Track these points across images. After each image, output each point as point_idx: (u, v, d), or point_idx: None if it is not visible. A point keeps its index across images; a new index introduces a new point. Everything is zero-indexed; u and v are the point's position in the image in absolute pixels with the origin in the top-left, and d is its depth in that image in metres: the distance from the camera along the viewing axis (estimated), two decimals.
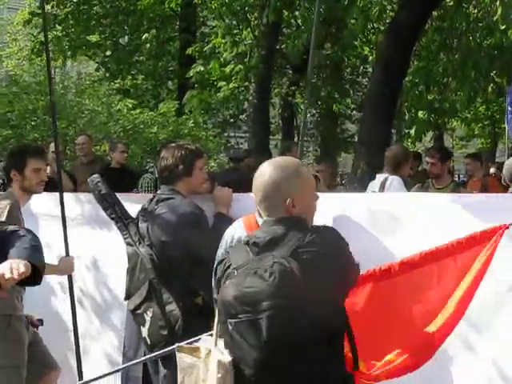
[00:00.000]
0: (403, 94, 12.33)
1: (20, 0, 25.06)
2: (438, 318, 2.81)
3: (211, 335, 2.84)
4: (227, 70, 13.97)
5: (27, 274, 2.45)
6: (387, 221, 3.78)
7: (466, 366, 3.54)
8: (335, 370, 2.55)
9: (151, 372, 4.22)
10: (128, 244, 4.17)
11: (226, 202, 4.30)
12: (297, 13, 14.07)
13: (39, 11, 15.60)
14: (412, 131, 15.36)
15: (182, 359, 2.84)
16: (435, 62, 12.65)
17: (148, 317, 4.00)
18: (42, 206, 4.90)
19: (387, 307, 2.79)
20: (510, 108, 11.58)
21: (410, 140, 16.21)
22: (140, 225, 4.19)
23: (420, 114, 14.22)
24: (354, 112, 21.42)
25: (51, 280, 4.76)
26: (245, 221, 3.73)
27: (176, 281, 3.98)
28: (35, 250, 2.63)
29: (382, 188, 6.38)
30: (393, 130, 14.60)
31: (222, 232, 3.83)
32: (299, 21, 14.45)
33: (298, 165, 2.76)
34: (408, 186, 6.72)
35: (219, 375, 2.65)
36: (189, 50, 14.69)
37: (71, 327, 4.57)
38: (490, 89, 13.41)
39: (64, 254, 4.49)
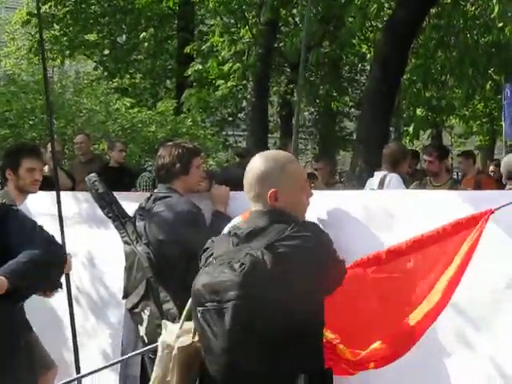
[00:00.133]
0: (401, 91, 12.33)
1: None
2: (424, 304, 2.82)
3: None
4: (225, 68, 13.97)
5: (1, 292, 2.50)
6: (385, 218, 3.78)
7: (465, 364, 3.54)
8: (308, 365, 2.53)
9: (149, 371, 4.21)
10: (125, 243, 4.18)
11: (224, 200, 4.31)
12: (294, 11, 14.07)
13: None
14: (410, 129, 15.35)
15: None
16: (433, 59, 12.65)
17: (145, 315, 4.01)
18: (39, 204, 4.90)
19: (373, 296, 2.80)
20: (506, 105, 11.58)
21: (408, 138, 16.19)
22: (137, 223, 4.19)
23: (418, 111, 14.21)
24: (353, 110, 21.41)
25: None
26: (244, 217, 3.73)
27: (173, 279, 3.98)
28: (19, 266, 2.64)
29: (381, 185, 6.38)
30: (391, 128, 14.60)
31: (219, 230, 3.82)
32: (297, 19, 14.46)
33: (286, 159, 2.76)
34: (406, 184, 6.72)
35: (159, 354, 2.77)
36: (187, 49, 14.68)
37: (67, 324, 4.57)
38: (487, 86, 13.42)
39: None
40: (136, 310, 4.07)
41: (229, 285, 2.43)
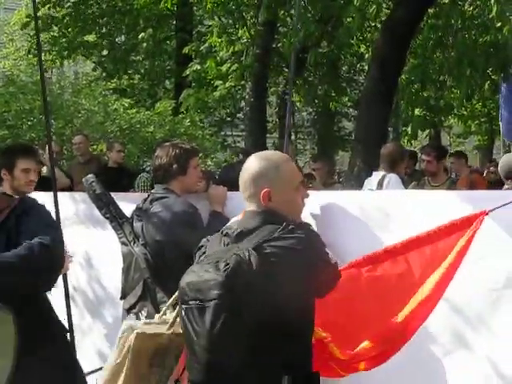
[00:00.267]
0: (399, 91, 12.33)
1: (17, 0, 25.01)
2: (412, 303, 2.83)
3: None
4: (223, 68, 13.97)
5: None
6: (383, 218, 3.78)
7: (462, 364, 3.54)
8: (293, 367, 2.52)
9: None
10: (123, 243, 4.18)
11: (221, 200, 4.31)
12: (292, 11, 14.06)
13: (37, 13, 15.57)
14: (409, 129, 15.36)
15: None
16: (431, 59, 12.65)
17: (143, 316, 4.01)
18: None
19: (367, 295, 2.81)
20: (503, 104, 11.59)
21: (406, 138, 16.19)
22: (134, 224, 4.19)
23: (416, 111, 14.22)
24: (351, 110, 21.42)
25: None
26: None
27: (170, 280, 3.95)
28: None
29: (380, 186, 6.37)
30: (389, 128, 14.61)
31: (216, 230, 3.82)
32: (295, 19, 14.44)
33: (281, 159, 2.76)
34: (404, 185, 6.72)
35: (118, 335, 2.94)
36: (185, 49, 14.67)
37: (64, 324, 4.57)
38: (486, 86, 13.41)
39: None
40: (133, 311, 4.07)
41: (211, 284, 2.43)
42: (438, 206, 3.64)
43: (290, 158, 2.84)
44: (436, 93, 13.56)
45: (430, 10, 11.59)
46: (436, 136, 21.71)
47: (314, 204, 3.73)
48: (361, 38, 14.95)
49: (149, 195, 4.29)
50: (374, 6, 10.61)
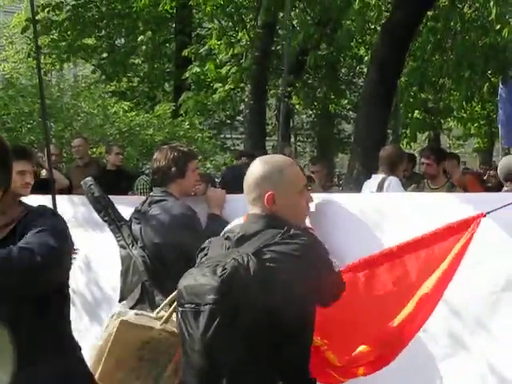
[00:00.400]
0: (398, 94, 12.35)
1: (16, 3, 25.03)
2: (409, 307, 2.82)
3: None
4: (223, 71, 13.99)
5: None
6: (381, 221, 3.78)
7: (462, 366, 3.54)
8: (288, 374, 2.50)
9: None
10: (121, 246, 4.18)
11: (219, 203, 4.31)
12: (292, 14, 14.05)
13: (36, 17, 15.58)
14: (408, 131, 15.39)
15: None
16: (430, 62, 12.66)
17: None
18: None
19: (364, 300, 2.80)
20: (501, 106, 11.59)
21: (406, 140, 16.21)
22: (133, 227, 4.19)
23: (416, 114, 14.24)
24: (351, 112, 21.43)
25: None
26: (245, 219, 3.74)
27: (169, 283, 3.95)
28: None
29: (380, 189, 6.35)
30: (389, 131, 14.61)
31: (215, 233, 3.82)
32: (294, 22, 14.45)
33: (285, 163, 2.75)
34: (404, 187, 6.70)
35: (106, 322, 3.01)
36: (185, 52, 14.69)
37: None
38: (485, 88, 13.42)
39: None
40: None
41: (207, 289, 2.42)
42: (436, 209, 3.64)
43: (294, 162, 2.83)
44: (435, 95, 13.57)
45: (429, 13, 11.60)
46: (435, 138, 21.70)
47: (313, 206, 3.73)
48: (360, 40, 14.96)
49: (147, 198, 4.29)
50: (375, 10, 10.62)
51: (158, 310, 3.15)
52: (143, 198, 4.53)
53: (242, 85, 14.66)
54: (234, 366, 2.44)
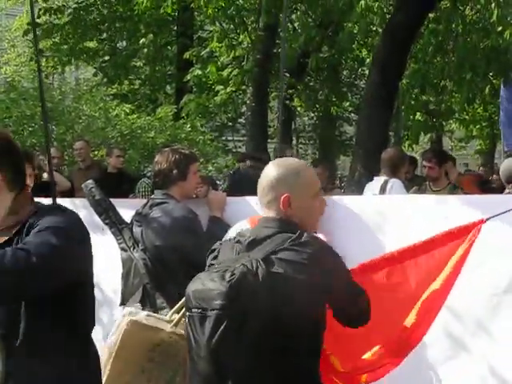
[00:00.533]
0: (400, 96, 12.34)
1: (18, 6, 25.05)
2: (413, 315, 2.81)
3: None
4: (224, 73, 13.99)
5: None
6: (383, 223, 3.77)
7: (463, 369, 3.53)
8: (294, 382, 2.49)
9: None
10: (122, 249, 4.17)
11: (220, 205, 4.31)
12: (293, 16, 14.08)
13: (38, 20, 15.61)
14: (410, 133, 15.38)
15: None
16: (431, 64, 12.66)
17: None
18: None
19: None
20: (502, 108, 11.59)
21: (408, 142, 16.21)
22: (134, 229, 4.19)
23: (417, 116, 14.24)
24: (352, 114, 21.43)
25: None
26: (252, 221, 3.73)
27: (170, 285, 3.97)
28: None
29: (383, 191, 6.34)
30: (390, 133, 14.61)
31: (216, 236, 3.83)
32: (295, 24, 14.47)
33: (301, 165, 2.74)
34: (405, 189, 6.70)
35: (117, 321, 3.01)
36: (186, 55, 14.70)
37: None
38: (487, 90, 13.42)
39: None
40: None
41: (215, 294, 2.40)
42: (438, 211, 3.63)
43: (309, 165, 2.82)
44: (436, 97, 13.57)
45: (431, 15, 11.60)
46: (437, 141, 21.69)
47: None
48: (362, 42, 14.97)
49: (148, 200, 4.29)
50: (378, 12, 10.62)
51: (170, 312, 3.13)
52: (144, 200, 4.53)
53: (243, 87, 14.66)
54: (240, 373, 2.42)
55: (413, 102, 13.74)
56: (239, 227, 3.74)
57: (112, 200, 4.40)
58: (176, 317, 3.18)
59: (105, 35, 18.82)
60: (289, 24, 14.95)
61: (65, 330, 2.45)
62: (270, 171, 2.69)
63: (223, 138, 20.82)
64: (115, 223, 4.24)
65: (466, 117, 19.50)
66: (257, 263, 2.43)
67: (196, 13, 17.31)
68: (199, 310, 2.44)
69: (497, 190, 7.98)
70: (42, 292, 2.34)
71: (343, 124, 23.28)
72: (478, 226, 2.89)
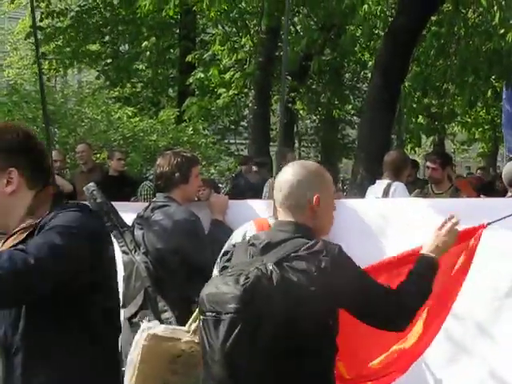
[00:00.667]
0: (402, 99, 12.33)
1: (21, 10, 25.10)
2: (417, 326, 2.80)
3: None
4: (227, 76, 14.00)
5: None
6: (385, 226, 3.77)
7: (464, 372, 3.52)
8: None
9: None
10: (123, 252, 4.16)
11: (222, 209, 4.31)
12: (295, 19, 14.08)
13: (40, 24, 15.64)
14: (412, 136, 15.37)
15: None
16: (434, 67, 12.65)
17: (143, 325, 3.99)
18: None
19: None
20: (505, 109, 11.57)
21: (410, 145, 16.20)
22: (135, 232, 4.18)
23: (420, 118, 14.23)
24: (355, 117, 21.43)
25: None
26: (257, 223, 3.73)
27: (171, 288, 3.97)
28: None
29: (386, 194, 6.32)
30: (393, 136, 14.60)
31: (217, 239, 3.84)
32: (298, 27, 14.47)
33: (319, 167, 2.76)
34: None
35: (136, 337, 3.00)
36: (188, 58, 14.71)
37: None
38: (489, 93, 13.41)
39: None
40: (134, 320, 4.05)
41: (229, 297, 2.40)
42: (440, 214, 3.62)
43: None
44: (439, 100, 13.55)
45: (433, 18, 11.59)
46: (440, 143, 21.69)
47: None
48: (364, 45, 14.96)
49: (150, 204, 4.28)
50: (381, 16, 10.61)
51: (189, 322, 3.11)
52: (146, 203, 4.53)
53: (245, 90, 14.67)
54: (254, 376, 2.42)
55: (415, 105, 13.72)
56: (244, 229, 3.74)
57: (113, 203, 4.40)
58: (194, 326, 3.14)
59: (107, 38, 18.83)
60: (291, 27, 14.94)
61: (70, 331, 2.37)
62: (293, 172, 2.67)
63: (225, 141, 20.82)
64: (116, 226, 4.23)
65: (469, 120, 19.49)
66: (271, 267, 2.43)
67: (198, 16, 17.31)
68: (213, 314, 2.44)
69: (499, 193, 7.97)
70: (43, 293, 2.27)
71: (345, 127, 23.28)
72: (479, 230, 2.88)
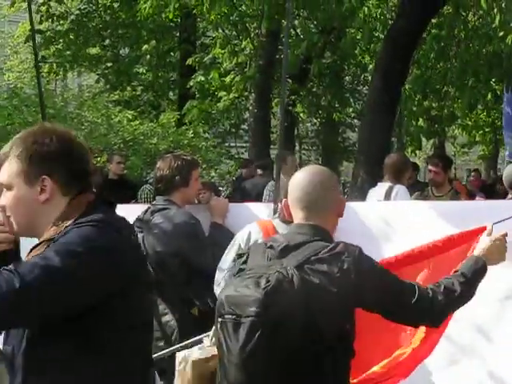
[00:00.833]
0: (402, 102, 12.32)
1: (21, 13, 25.12)
2: (420, 331, 2.79)
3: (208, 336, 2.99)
4: (227, 79, 14.01)
5: None
6: (387, 229, 3.77)
7: (465, 374, 3.51)
8: None
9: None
10: None
11: (222, 212, 4.31)
12: (296, 22, 14.08)
13: (40, 27, 15.64)
14: (413, 139, 15.37)
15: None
16: (434, 69, 12.64)
17: None
18: None
19: (372, 316, 2.77)
20: (506, 112, 11.57)
21: (410, 148, 16.20)
22: None
23: (420, 121, 14.22)
24: (355, 120, 21.43)
25: None
26: (261, 225, 3.73)
27: (171, 291, 3.97)
28: None
29: (388, 197, 6.31)
30: (393, 139, 14.60)
31: (217, 242, 3.84)
32: (298, 30, 14.47)
33: (328, 170, 2.80)
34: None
35: (177, 368, 2.96)
36: (189, 61, 14.72)
37: None
38: (489, 96, 13.41)
39: None
40: None
41: (250, 300, 2.38)
42: (442, 217, 3.62)
43: None
44: (439, 103, 13.55)
45: (433, 20, 11.58)
46: (440, 146, 21.70)
47: None
48: (364, 48, 14.96)
49: (149, 207, 4.28)
50: (381, 19, 10.62)
51: (210, 337, 3.06)
52: (145, 206, 4.53)
53: (246, 93, 14.67)
54: (272, 381, 2.41)
55: (415, 108, 13.71)
56: (248, 231, 3.73)
57: None
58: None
59: (107, 41, 18.83)
60: (291, 30, 14.96)
61: (71, 347, 2.19)
62: (313, 175, 2.67)
63: (226, 144, 20.82)
64: None
65: (469, 122, 19.48)
66: (292, 271, 2.42)
67: (198, 19, 17.32)
68: (233, 317, 2.42)
69: (500, 195, 7.98)
70: (36, 318, 2.09)
71: (346, 130, 23.28)
72: (482, 233, 2.88)
